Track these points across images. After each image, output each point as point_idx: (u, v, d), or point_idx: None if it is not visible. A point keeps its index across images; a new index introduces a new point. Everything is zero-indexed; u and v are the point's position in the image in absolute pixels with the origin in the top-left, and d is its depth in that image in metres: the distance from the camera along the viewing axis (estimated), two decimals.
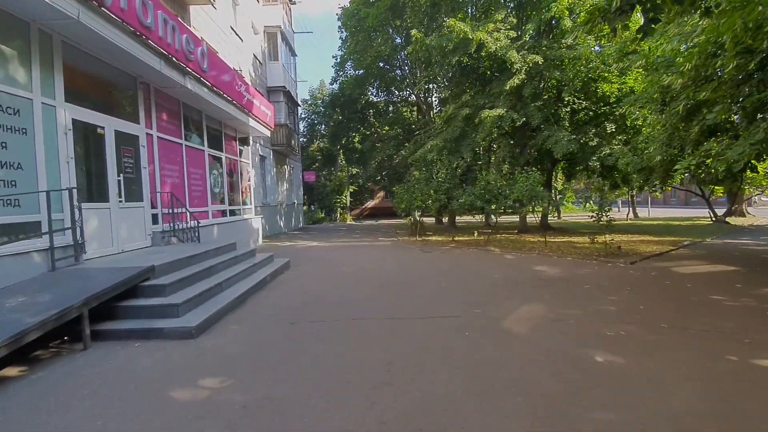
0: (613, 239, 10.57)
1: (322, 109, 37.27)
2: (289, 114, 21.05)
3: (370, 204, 44.51)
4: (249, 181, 13.78)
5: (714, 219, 22.01)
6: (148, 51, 6.84)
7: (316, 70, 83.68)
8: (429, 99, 23.08)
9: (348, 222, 32.58)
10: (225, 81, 10.08)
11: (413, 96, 25.42)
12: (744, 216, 25.54)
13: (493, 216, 12.62)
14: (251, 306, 5.90)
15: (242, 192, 12.99)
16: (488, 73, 16.00)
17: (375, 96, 26.43)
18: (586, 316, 5.08)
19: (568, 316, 5.12)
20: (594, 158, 13.90)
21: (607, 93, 14.59)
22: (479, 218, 27.79)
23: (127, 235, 7.05)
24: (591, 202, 25.34)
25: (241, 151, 13.08)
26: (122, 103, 7.36)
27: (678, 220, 24.06)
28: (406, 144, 23.42)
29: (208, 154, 10.52)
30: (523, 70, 13.26)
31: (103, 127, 6.61)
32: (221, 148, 11.43)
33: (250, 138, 14.27)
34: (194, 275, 5.86)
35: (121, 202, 6.89)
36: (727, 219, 22.19)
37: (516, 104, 14.13)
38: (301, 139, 41.58)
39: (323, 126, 36.13)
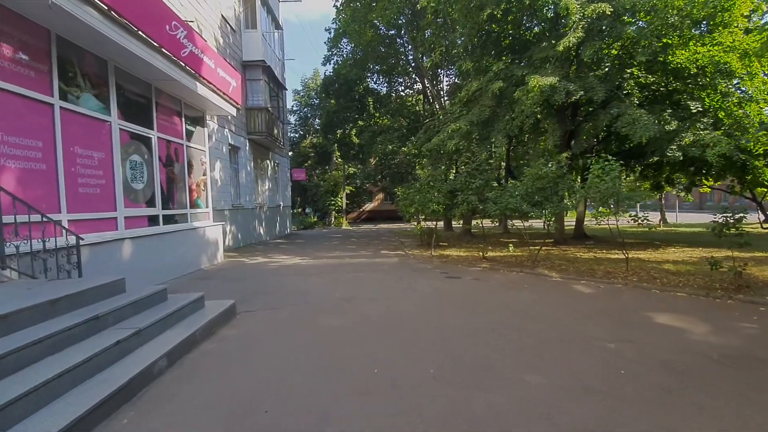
0: (735, 259, 6.85)
1: (316, 102, 33.66)
2: (272, 97, 17.36)
3: (369, 207, 40.85)
4: (205, 175, 10.05)
5: (763, 224, 18.74)
6: None
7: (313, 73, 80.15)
8: (438, 86, 19.46)
9: (344, 227, 28.84)
10: (146, 12, 6.38)
11: (418, 84, 21.89)
12: None
13: (546, 223, 8.97)
14: None
15: (191, 190, 9.26)
16: (527, 35, 12.34)
17: (375, 83, 22.80)
18: None
19: None
20: (673, 147, 10.24)
21: (686, 63, 10.97)
22: (494, 223, 24.08)
23: None
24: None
25: (190, 133, 9.36)
26: None
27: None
28: (411, 138, 19.80)
29: (121, 129, 6.79)
30: (580, 26, 9.63)
31: None
32: (150, 124, 7.70)
33: (207, 116, 10.53)
34: None
35: None
36: None
37: (568, 74, 10.48)
38: (291, 135, 37.94)
39: (316, 120, 32.50)
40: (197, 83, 8.40)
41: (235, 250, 13.22)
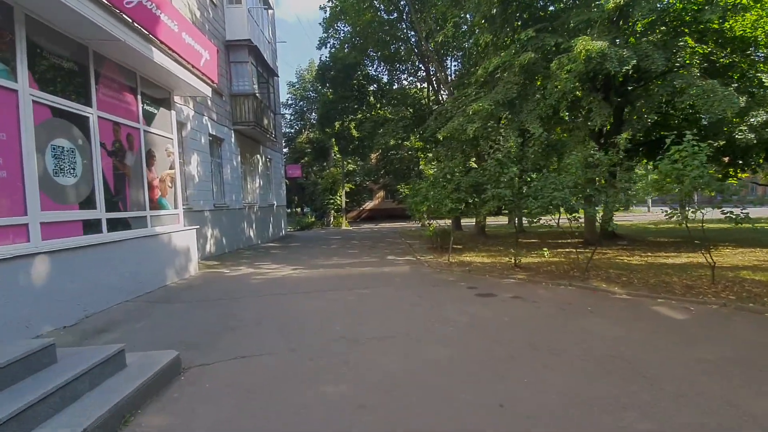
0: None
1: (312, 94, 31.74)
2: (261, 83, 15.46)
3: (369, 205, 39.05)
4: (173, 169, 8.17)
5: None
6: None
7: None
8: (445, 71, 17.51)
9: (343, 227, 26.98)
10: None
11: (422, 72, 19.97)
12: None
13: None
14: None
15: (152, 187, 7.38)
16: (558, 5, 10.45)
17: (375, 71, 20.88)
18: None
19: None
20: (743, 127, 8.39)
21: (748, 31, 9.13)
22: (511, 221, 22.24)
23: None
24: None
25: (150, 115, 7.47)
26: None
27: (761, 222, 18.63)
28: (416, 130, 17.90)
29: (35, 102, 4.90)
30: None
31: None
32: (86, 98, 5.81)
33: (178, 98, 8.64)
34: None
35: None
36: None
37: (616, 39, 8.61)
38: (287, 130, 36.01)
39: (313, 114, 30.58)
40: (153, 48, 6.51)
41: (218, 257, 11.34)
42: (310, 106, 31.73)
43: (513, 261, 8.30)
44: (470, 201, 9.00)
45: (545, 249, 8.87)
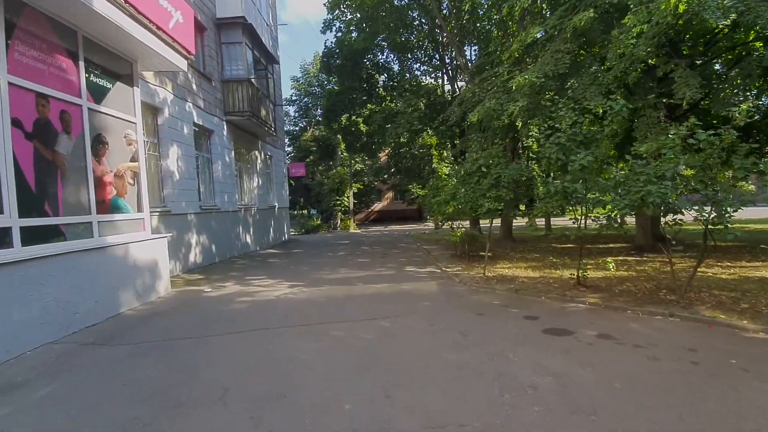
0: None
1: (317, 89, 30.04)
2: (258, 69, 13.72)
3: (378, 207, 37.22)
4: (135, 161, 6.40)
5: None
6: None
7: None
8: (464, 56, 15.61)
9: (351, 230, 25.17)
10: None
11: (435, 60, 18.12)
12: None
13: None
14: None
15: (103, 184, 5.61)
16: None
17: (385, 59, 19.05)
18: None
19: None
20: None
21: None
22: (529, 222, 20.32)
23: None
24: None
25: (101, 91, 5.71)
26: None
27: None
28: (430, 123, 16.04)
29: None
30: None
31: None
32: None
33: (138, 71, 6.87)
34: None
35: None
36: None
37: None
38: (291, 128, 34.32)
39: (318, 110, 28.84)
40: None
41: (204, 269, 9.57)
42: (315, 103, 30.00)
43: (576, 276, 6.37)
44: (513, 198, 7.11)
45: (609, 260, 6.94)
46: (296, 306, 5.90)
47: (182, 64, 7.02)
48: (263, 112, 13.43)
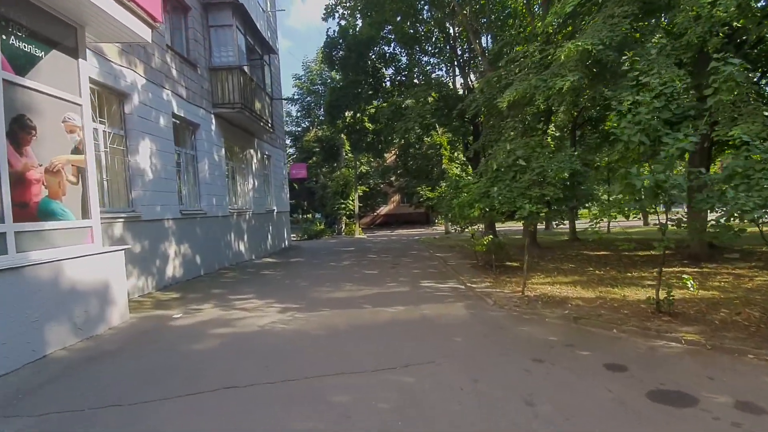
0: None
1: (320, 88, 28.72)
2: (253, 59, 12.36)
3: (384, 210, 35.79)
4: (79, 153, 4.97)
5: None
6: None
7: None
8: (480, 43, 14.13)
9: (357, 235, 23.70)
10: None
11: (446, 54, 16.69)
12: None
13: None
14: None
15: (27, 182, 4.18)
16: None
17: (393, 50, 17.61)
18: None
19: None
20: None
21: None
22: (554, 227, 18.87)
23: None
24: None
25: (27, 59, 4.29)
26: None
27: None
28: (440, 121, 14.57)
29: None
30: None
31: None
32: None
33: (85, 40, 5.45)
34: None
35: None
36: None
37: None
38: (293, 128, 32.98)
39: (321, 109, 27.47)
40: None
41: (183, 285, 8.13)
42: (318, 102, 28.66)
43: (655, 301, 4.83)
44: (561, 198, 5.61)
45: (687, 277, 5.40)
46: (284, 344, 4.42)
47: (146, 34, 5.61)
48: (258, 106, 12.03)
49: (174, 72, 8.67)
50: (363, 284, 7.83)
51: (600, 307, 5.31)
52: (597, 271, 8.23)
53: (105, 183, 6.62)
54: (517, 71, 8.58)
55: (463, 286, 7.28)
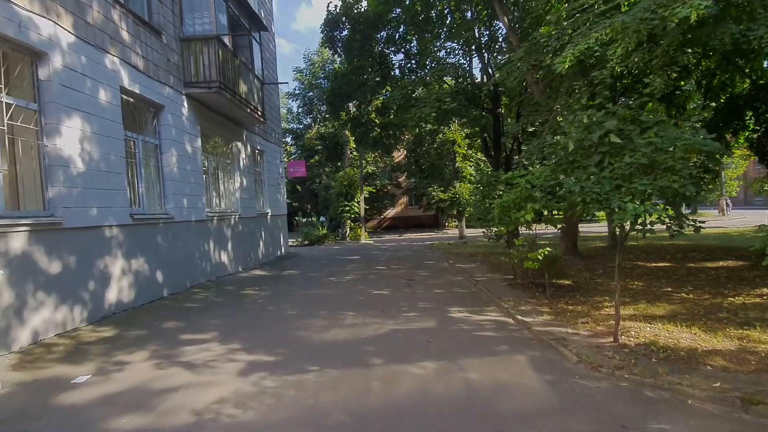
0: None
1: (323, 82, 26.76)
2: (238, 32, 10.38)
3: (391, 213, 33.71)
4: None
5: None
6: None
7: None
8: (505, 16, 12.02)
9: (363, 240, 21.62)
10: None
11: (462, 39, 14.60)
12: None
13: None
14: None
15: None
16: None
17: (402, 34, 15.55)
18: None
19: None
20: None
21: None
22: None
23: None
24: None
25: None
26: None
27: None
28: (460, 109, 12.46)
29: None
30: None
31: None
32: None
33: None
34: None
35: None
36: None
37: None
38: (294, 125, 31.02)
39: (323, 105, 25.47)
40: None
41: (132, 313, 6.08)
42: (320, 96, 26.67)
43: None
44: (686, 195, 3.51)
45: None
46: None
47: None
48: (243, 88, 10.02)
49: (124, 34, 6.67)
50: (370, 313, 5.75)
51: (763, 370, 3.18)
52: (684, 294, 6.10)
53: None
54: (570, 31, 6.49)
55: (511, 320, 5.17)
